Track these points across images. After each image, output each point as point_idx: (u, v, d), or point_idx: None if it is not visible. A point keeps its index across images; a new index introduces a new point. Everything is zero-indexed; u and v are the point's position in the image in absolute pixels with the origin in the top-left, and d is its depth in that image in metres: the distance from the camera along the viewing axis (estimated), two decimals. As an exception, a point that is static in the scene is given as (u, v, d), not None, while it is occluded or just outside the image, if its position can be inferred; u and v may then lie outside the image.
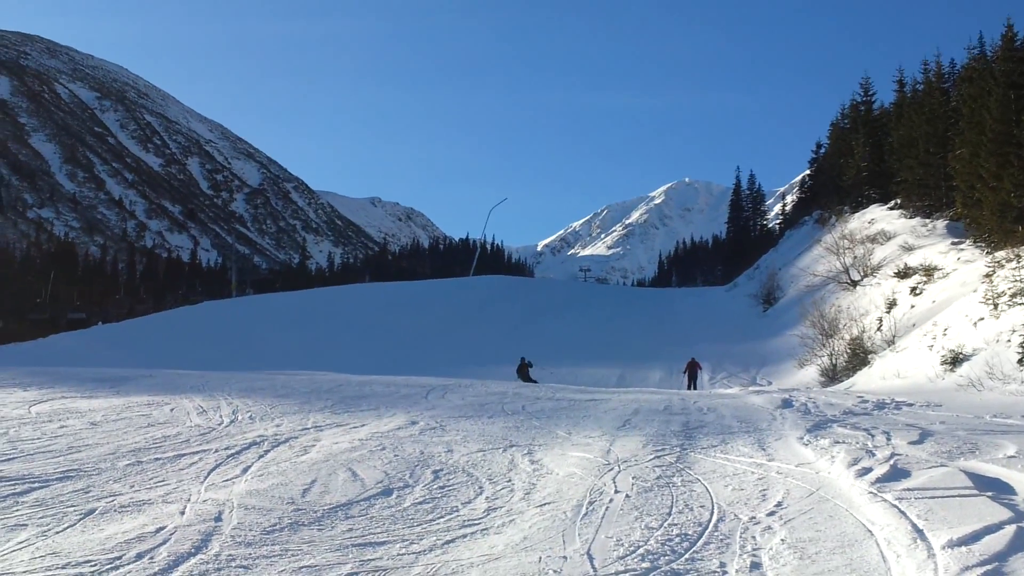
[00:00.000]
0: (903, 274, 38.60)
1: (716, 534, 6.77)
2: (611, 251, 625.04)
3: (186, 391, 16.57)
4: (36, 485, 8.03)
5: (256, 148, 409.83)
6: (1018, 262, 27.03)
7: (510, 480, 8.83)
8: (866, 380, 28.38)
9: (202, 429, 11.65)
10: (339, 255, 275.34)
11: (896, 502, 7.26)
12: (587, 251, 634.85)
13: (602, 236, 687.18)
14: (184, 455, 9.70)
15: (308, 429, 11.89)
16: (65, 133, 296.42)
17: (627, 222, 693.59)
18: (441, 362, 40.14)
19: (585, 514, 7.39)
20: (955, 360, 23.70)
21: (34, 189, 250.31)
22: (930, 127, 48.30)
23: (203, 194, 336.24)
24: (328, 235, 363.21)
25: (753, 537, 6.69)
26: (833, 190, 69.60)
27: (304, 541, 6.44)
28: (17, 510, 7.14)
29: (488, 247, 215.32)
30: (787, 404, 16.86)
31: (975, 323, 25.16)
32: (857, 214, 60.89)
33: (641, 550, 6.27)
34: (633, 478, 8.90)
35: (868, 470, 8.59)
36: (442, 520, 7.20)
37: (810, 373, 36.27)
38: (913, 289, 35.96)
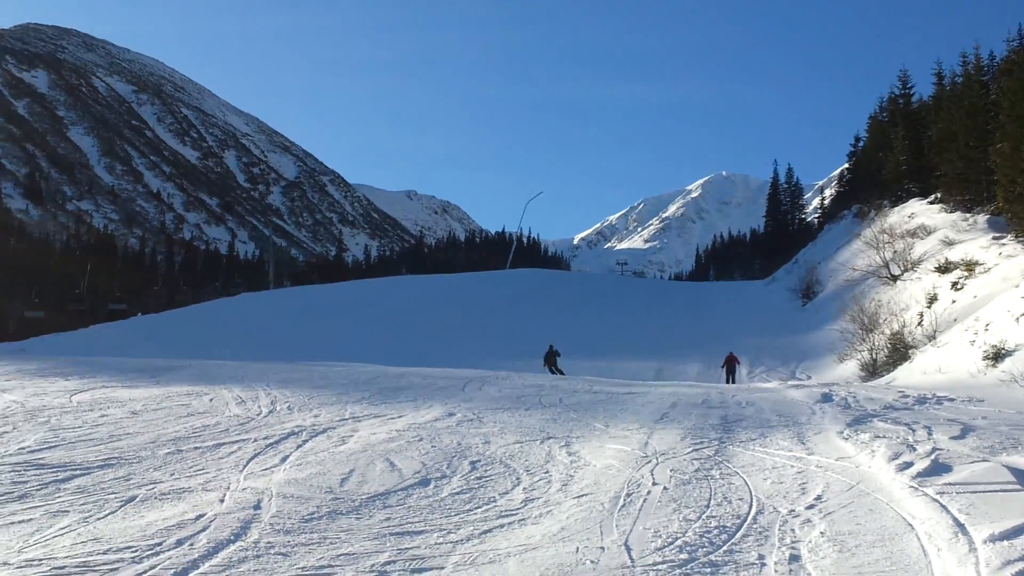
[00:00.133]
0: (944, 269, 38.15)
1: (755, 527, 6.73)
2: (648, 245, 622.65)
3: (225, 381, 16.69)
4: (78, 472, 8.12)
5: (292, 141, 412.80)
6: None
7: (547, 471, 8.83)
8: (907, 375, 28.09)
9: (241, 419, 11.73)
10: (375, 248, 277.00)
11: (937, 496, 7.19)
12: (623, 245, 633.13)
13: (639, 230, 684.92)
14: (223, 444, 9.77)
15: (346, 420, 11.94)
16: (103, 126, 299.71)
17: (664, 216, 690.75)
18: (477, 354, 40.13)
19: (623, 506, 7.37)
20: (997, 355, 23.39)
21: (73, 182, 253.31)
22: (970, 120, 47.63)
23: (240, 187, 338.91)
24: (364, 228, 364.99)
25: (792, 530, 6.65)
26: (872, 184, 68.77)
27: (342, 529, 6.47)
28: (59, 497, 7.22)
29: (524, 240, 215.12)
30: (827, 398, 16.72)
31: (1017, 318, 24.82)
32: (897, 208, 60.23)
33: (679, 542, 6.25)
34: (671, 470, 8.87)
35: (909, 464, 8.51)
36: (479, 510, 7.20)
37: (850, 368, 35.98)
38: (954, 284, 35.53)
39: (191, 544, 5.92)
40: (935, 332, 30.94)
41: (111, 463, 8.56)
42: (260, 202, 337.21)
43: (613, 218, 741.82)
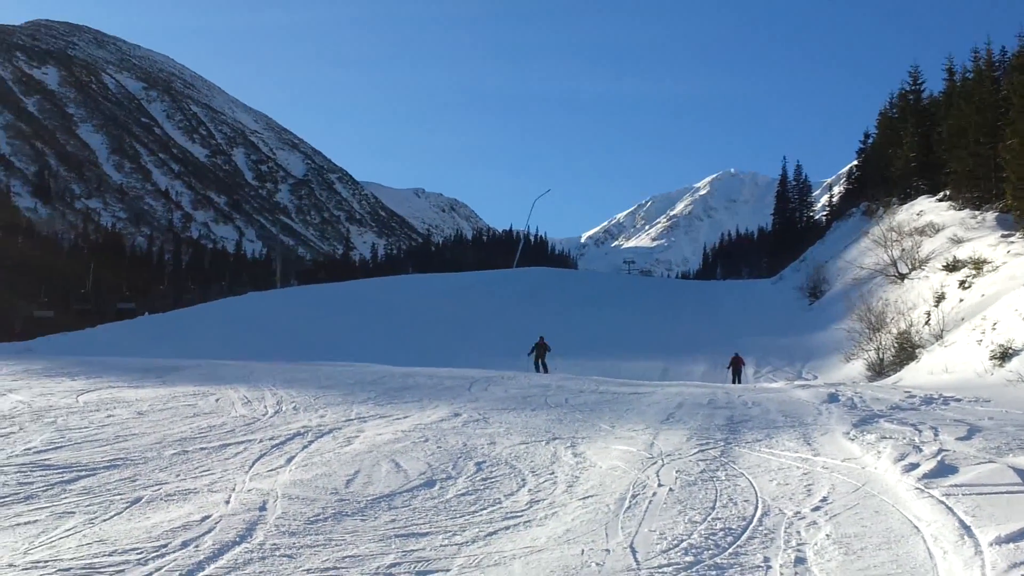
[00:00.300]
0: (952, 267, 38.05)
1: (760, 528, 6.73)
2: (655, 243, 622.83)
3: (231, 381, 16.70)
4: (83, 473, 8.13)
5: (300, 138, 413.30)
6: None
7: (553, 473, 8.83)
8: (913, 375, 28.02)
9: (247, 419, 11.75)
10: (383, 246, 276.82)
11: (943, 498, 7.18)
12: (631, 243, 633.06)
13: (646, 228, 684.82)
14: (229, 445, 9.79)
15: (352, 420, 11.95)
16: (112, 124, 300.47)
17: (671, 214, 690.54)
18: (483, 354, 40.13)
19: (628, 507, 7.37)
20: (1004, 355, 23.32)
21: (81, 179, 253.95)
22: (980, 117, 47.48)
23: (248, 185, 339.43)
24: (372, 226, 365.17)
25: (798, 532, 6.64)
26: (881, 181, 68.46)
27: (347, 531, 6.48)
28: (65, 498, 7.23)
29: (532, 239, 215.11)
30: (833, 399, 16.71)
31: (1025, 317, 24.76)
32: (905, 205, 60.08)
33: (684, 544, 6.25)
34: (677, 472, 8.86)
35: (915, 466, 8.50)
36: (485, 512, 7.21)
37: (856, 367, 35.90)
38: (962, 283, 35.44)
39: (196, 546, 5.93)
40: (942, 331, 30.86)
41: (117, 464, 8.58)
42: (268, 200, 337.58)
43: (621, 216, 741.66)
